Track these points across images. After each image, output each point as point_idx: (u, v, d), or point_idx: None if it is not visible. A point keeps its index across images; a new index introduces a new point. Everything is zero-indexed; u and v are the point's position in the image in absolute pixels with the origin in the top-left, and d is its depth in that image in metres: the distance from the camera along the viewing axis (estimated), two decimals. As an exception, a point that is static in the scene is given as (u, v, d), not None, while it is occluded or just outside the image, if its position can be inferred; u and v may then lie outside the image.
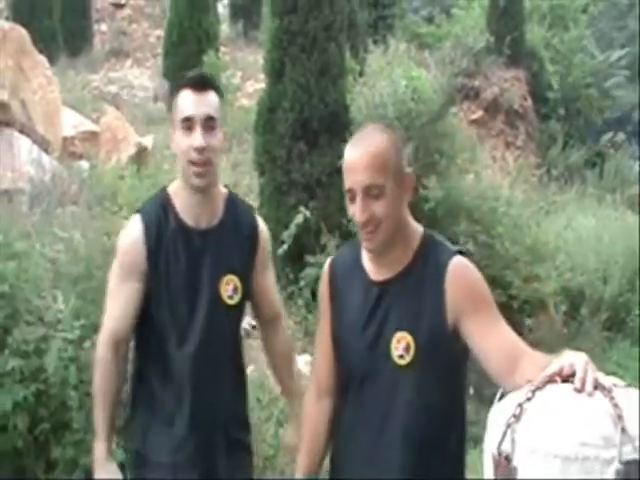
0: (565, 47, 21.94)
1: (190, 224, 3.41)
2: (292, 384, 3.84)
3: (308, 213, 8.34)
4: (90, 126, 12.82)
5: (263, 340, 3.84)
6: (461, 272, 2.83)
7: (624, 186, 18.15)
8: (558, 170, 17.68)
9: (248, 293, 3.54)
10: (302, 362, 7.39)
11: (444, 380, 2.87)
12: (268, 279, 3.69)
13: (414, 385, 2.84)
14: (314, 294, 8.70)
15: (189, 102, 3.32)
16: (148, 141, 13.03)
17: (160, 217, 3.39)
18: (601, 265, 11.55)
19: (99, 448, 3.45)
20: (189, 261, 3.38)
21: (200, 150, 3.26)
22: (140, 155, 12.11)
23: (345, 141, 9.73)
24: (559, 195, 15.34)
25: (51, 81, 11.91)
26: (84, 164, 10.55)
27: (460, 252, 2.92)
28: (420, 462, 2.84)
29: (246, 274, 3.50)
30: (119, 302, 3.38)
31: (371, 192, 2.78)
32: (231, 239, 3.48)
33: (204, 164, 3.29)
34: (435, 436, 2.86)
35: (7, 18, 18.53)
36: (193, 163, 3.28)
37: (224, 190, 3.57)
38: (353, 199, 2.82)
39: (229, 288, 3.43)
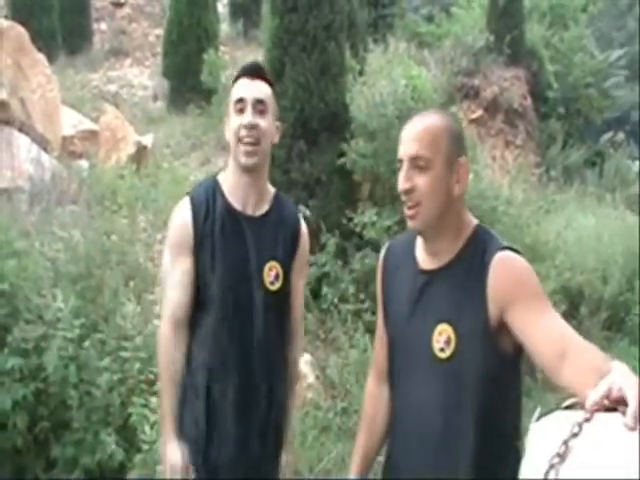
0: (565, 46, 21.90)
1: (237, 208, 3.52)
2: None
3: (308, 212, 8.33)
4: (89, 125, 12.83)
5: None
6: (505, 266, 2.80)
7: (623, 186, 18.18)
8: (557, 169, 17.70)
9: (289, 284, 3.62)
10: (302, 361, 7.39)
11: (488, 378, 2.81)
12: (301, 284, 3.78)
13: (454, 379, 2.82)
14: (314, 293, 8.69)
15: (242, 86, 3.49)
16: (148, 140, 13.04)
17: (209, 199, 3.51)
18: (601, 265, 11.54)
19: (166, 427, 3.54)
20: (234, 243, 3.49)
21: (249, 127, 3.41)
22: (140, 154, 12.11)
23: (345, 140, 9.69)
24: (558, 194, 15.32)
25: (50, 80, 11.90)
26: (84, 163, 10.56)
27: (510, 248, 2.88)
28: (457, 459, 2.82)
29: (287, 265, 3.60)
30: (175, 278, 3.48)
31: (417, 163, 2.84)
32: (275, 230, 3.59)
33: (253, 143, 3.42)
34: (475, 433, 2.80)
35: (6, 16, 18.49)
36: (242, 141, 3.41)
37: (272, 188, 3.69)
38: (401, 169, 2.89)
39: (272, 274, 3.52)
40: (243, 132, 3.40)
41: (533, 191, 13.88)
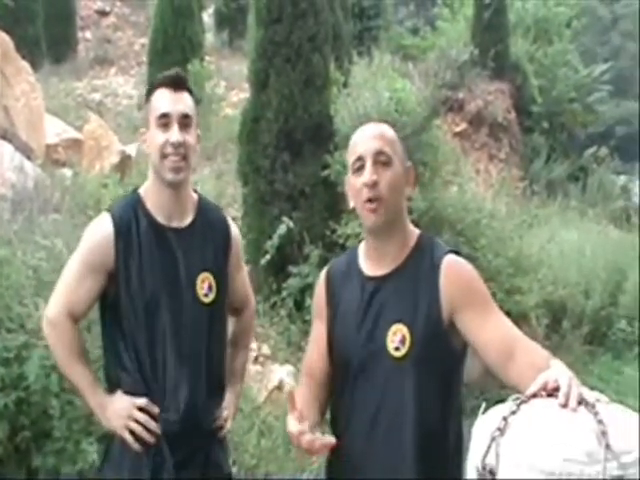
0: (549, 61, 22.03)
1: (162, 222, 3.40)
2: (237, 365, 3.80)
3: (291, 223, 8.35)
4: (73, 134, 12.78)
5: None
6: (454, 268, 2.90)
7: (606, 200, 18.30)
8: (541, 184, 17.78)
9: (224, 292, 3.52)
10: (285, 373, 7.38)
11: (440, 376, 2.89)
12: (240, 277, 3.74)
13: (410, 377, 2.85)
14: (297, 304, 8.68)
15: (165, 100, 3.34)
16: (132, 149, 13.00)
17: (130, 217, 3.38)
18: (583, 279, 11.61)
19: (93, 398, 3.41)
20: (163, 259, 3.37)
21: (176, 145, 3.28)
22: (123, 163, 12.07)
23: (329, 152, 9.70)
24: (542, 208, 15.41)
25: (34, 88, 11.87)
26: (67, 172, 10.51)
27: (454, 252, 2.98)
28: (415, 454, 2.84)
29: (220, 272, 3.50)
30: (80, 290, 3.36)
31: (380, 158, 2.91)
32: (204, 238, 3.49)
33: (179, 159, 3.30)
34: (431, 430, 2.87)
35: (-10, 24, 18.50)
36: (168, 157, 3.29)
37: (194, 194, 3.57)
38: (360, 168, 2.93)
39: (204, 286, 3.42)
40: (169, 150, 3.28)
41: (516, 205, 13.94)
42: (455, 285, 2.86)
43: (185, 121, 3.33)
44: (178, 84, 3.38)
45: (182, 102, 3.35)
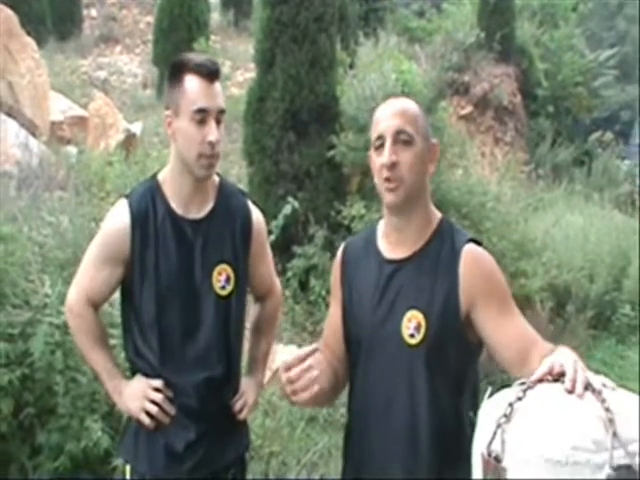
0: (555, 45, 21.98)
1: (180, 212, 3.31)
2: (259, 354, 3.75)
3: (296, 204, 8.30)
4: (78, 111, 12.80)
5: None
6: (476, 259, 2.83)
7: (611, 185, 18.29)
8: (546, 167, 17.76)
9: (242, 283, 3.44)
10: (288, 353, 7.37)
11: (454, 367, 2.84)
12: (264, 265, 3.64)
13: (423, 364, 2.81)
14: (301, 285, 8.68)
15: (203, 92, 3.18)
16: (136, 128, 13.02)
17: (148, 205, 3.30)
18: (587, 263, 11.59)
19: (110, 382, 3.39)
20: (179, 250, 3.30)
21: (214, 145, 3.17)
22: (128, 141, 12.09)
23: (335, 132, 9.60)
24: (547, 192, 15.40)
25: (39, 64, 11.86)
26: (72, 149, 10.52)
27: (475, 241, 2.91)
28: (429, 440, 2.82)
29: (239, 264, 3.41)
30: (99, 278, 3.34)
31: (401, 137, 2.82)
32: (223, 228, 3.39)
33: (214, 157, 3.20)
34: (445, 418, 2.83)
35: (-5, 0, 18.43)
36: (204, 156, 3.18)
37: (216, 178, 3.46)
38: (381, 147, 2.84)
39: (222, 278, 3.34)
40: (207, 149, 3.15)
41: (522, 188, 13.92)
42: (476, 276, 2.79)
43: (220, 116, 3.21)
44: (215, 75, 3.23)
45: (219, 96, 3.22)
